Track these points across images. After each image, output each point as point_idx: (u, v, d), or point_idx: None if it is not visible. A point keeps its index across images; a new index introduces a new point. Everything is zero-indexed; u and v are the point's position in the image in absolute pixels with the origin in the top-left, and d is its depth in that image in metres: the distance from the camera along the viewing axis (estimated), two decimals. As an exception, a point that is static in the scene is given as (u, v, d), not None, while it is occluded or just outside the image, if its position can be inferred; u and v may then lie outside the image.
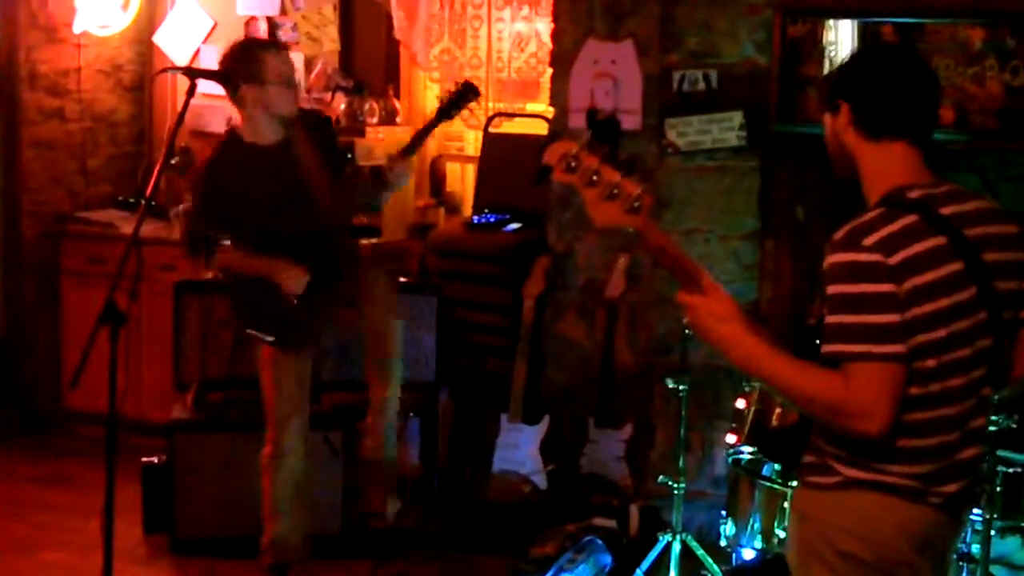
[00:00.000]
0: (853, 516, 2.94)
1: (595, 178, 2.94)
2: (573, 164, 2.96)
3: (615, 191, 2.93)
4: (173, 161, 7.17)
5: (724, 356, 2.98)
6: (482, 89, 7.16)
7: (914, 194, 2.91)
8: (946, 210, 2.90)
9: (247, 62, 4.89)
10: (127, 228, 7.00)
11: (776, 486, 4.75)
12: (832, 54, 5.61)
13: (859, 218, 2.89)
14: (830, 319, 2.84)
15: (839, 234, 2.87)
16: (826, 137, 3.13)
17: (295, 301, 4.92)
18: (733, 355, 2.96)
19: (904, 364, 2.79)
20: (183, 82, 4.95)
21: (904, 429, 2.85)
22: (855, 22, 5.57)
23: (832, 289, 2.84)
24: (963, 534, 4.57)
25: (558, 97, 6.12)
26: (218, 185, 4.99)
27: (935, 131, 3.07)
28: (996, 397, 3.05)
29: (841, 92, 3.06)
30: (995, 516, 4.47)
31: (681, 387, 5.33)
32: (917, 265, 2.81)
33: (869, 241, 2.80)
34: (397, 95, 7.38)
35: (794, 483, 4.57)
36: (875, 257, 2.79)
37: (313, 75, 7.41)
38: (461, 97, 5.18)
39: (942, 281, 2.83)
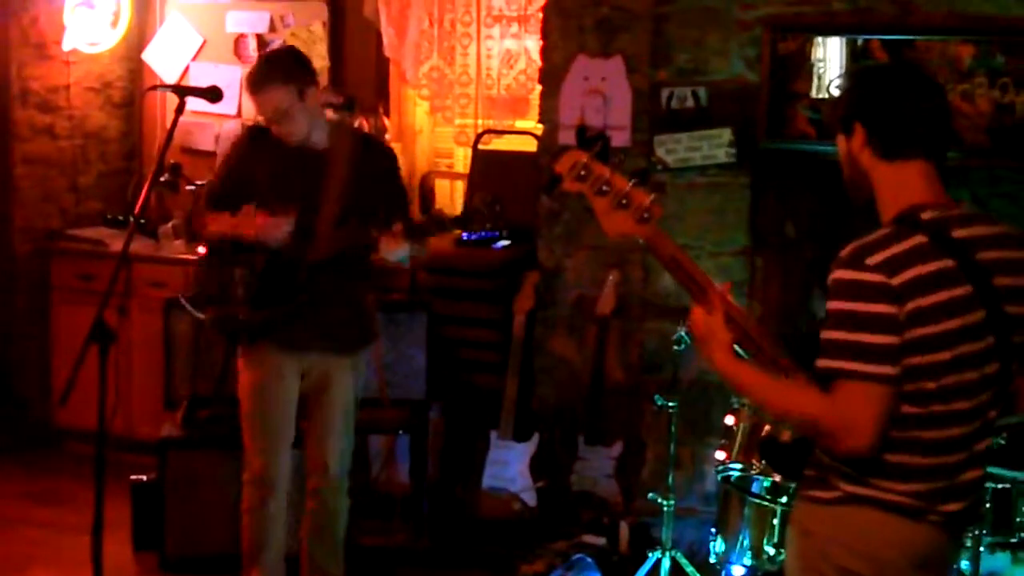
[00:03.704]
0: (853, 532, 2.94)
1: (606, 187, 2.96)
2: (583, 173, 2.98)
3: (625, 200, 2.95)
4: (163, 178, 7.17)
5: (711, 364, 3.01)
6: (471, 106, 7.22)
7: (927, 215, 2.90)
8: (958, 233, 2.89)
9: (309, 64, 4.87)
10: (117, 245, 6.99)
11: (765, 503, 4.76)
12: (821, 71, 5.63)
13: (868, 236, 2.88)
14: (826, 334, 2.85)
15: (845, 251, 2.87)
16: (841, 160, 3.11)
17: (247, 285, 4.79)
18: (723, 376, 2.99)
19: (893, 386, 2.80)
20: (172, 99, 4.93)
21: (905, 447, 2.86)
22: (844, 39, 5.59)
23: (832, 305, 2.85)
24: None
25: (548, 114, 6.12)
26: (253, 154, 4.91)
27: (949, 147, 3.07)
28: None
29: (855, 113, 3.04)
30: (985, 532, 4.48)
31: (671, 404, 5.33)
32: (921, 287, 2.80)
33: (873, 261, 2.80)
34: (387, 112, 7.38)
35: (784, 499, 4.60)
36: (878, 277, 2.79)
37: (303, 92, 7.40)
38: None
39: (947, 304, 2.83)
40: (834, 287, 2.86)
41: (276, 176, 4.84)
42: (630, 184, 2.97)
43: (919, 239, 2.85)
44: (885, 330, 2.78)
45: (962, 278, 2.85)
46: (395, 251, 4.73)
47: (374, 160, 4.97)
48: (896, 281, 2.79)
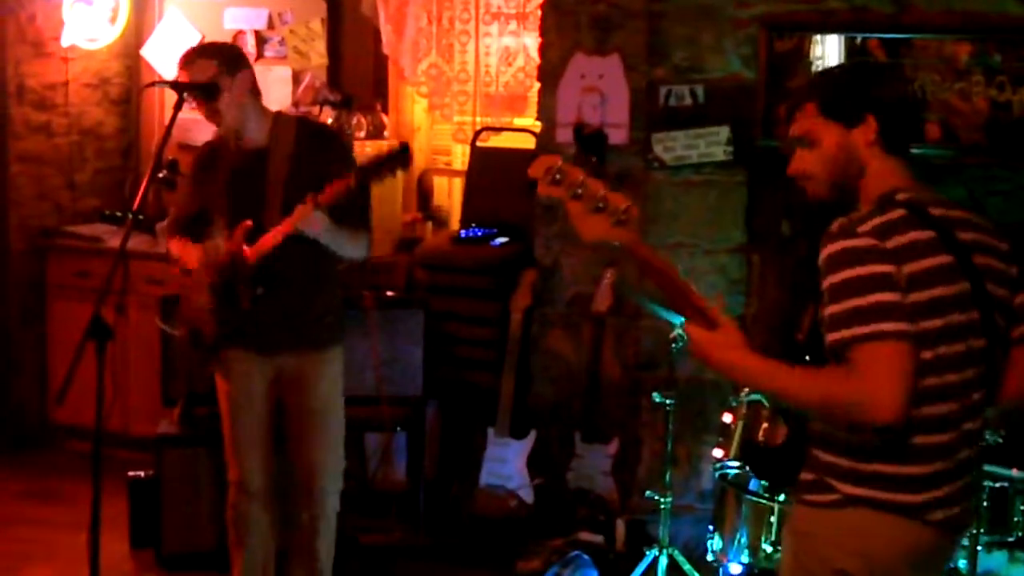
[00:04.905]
0: (851, 534, 2.95)
1: (580, 191, 2.94)
2: (558, 177, 2.96)
3: (600, 204, 2.93)
4: (160, 175, 7.16)
5: (728, 377, 2.99)
6: (469, 104, 7.21)
7: (902, 196, 2.94)
8: (935, 211, 2.94)
9: (246, 58, 4.81)
10: (114, 242, 6.99)
11: (763, 501, 4.76)
12: (819, 68, 5.62)
13: (851, 214, 2.92)
14: (831, 308, 2.83)
15: (833, 227, 2.89)
16: (826, 152, 3.07)
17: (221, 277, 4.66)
18: (739, 377, 2.98)
19: (912, 343, 2.78)
20: (170, 95, 4.92)
21: (906, 426, 2.86)
22: (841, 37, 5.59)
23: (831, 278, 2.84)
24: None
25: (545, 111, 6.12)
26: (203, 170, 4.85)
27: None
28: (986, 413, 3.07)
29: (870, 107, 3.04)
30: (981, 531, 4.48)
31: (668, 401, 5.34)
32: (910, 253, 2.83)
33: (863, 228, 2.84)
34: (385, 109, 7.38)
35: (781, 497, 4.60)
36: (871, 241, 2.82)
37: (301, 89, 7.41)
38: (390, 161, 4.53)
39: (935, 271, 2.86)
40: (829, 260, 2.86)
41: (227, 185, 4.75)
42: (605, 187, 2.95)
43: (899, 212, 2.89)
44: (890, 287, 2.78)
45: (944, 248, 2.88)
46: (308, 221, 4.47)
47: (316, 145, 4.79)
48: (889, 245, 2.82)
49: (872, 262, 2.80)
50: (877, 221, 2.85)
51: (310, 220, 4.46)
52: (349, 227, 4.64)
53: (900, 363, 2.76)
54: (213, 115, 4.68)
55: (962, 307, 2.90)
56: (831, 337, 2.82)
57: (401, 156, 4.54)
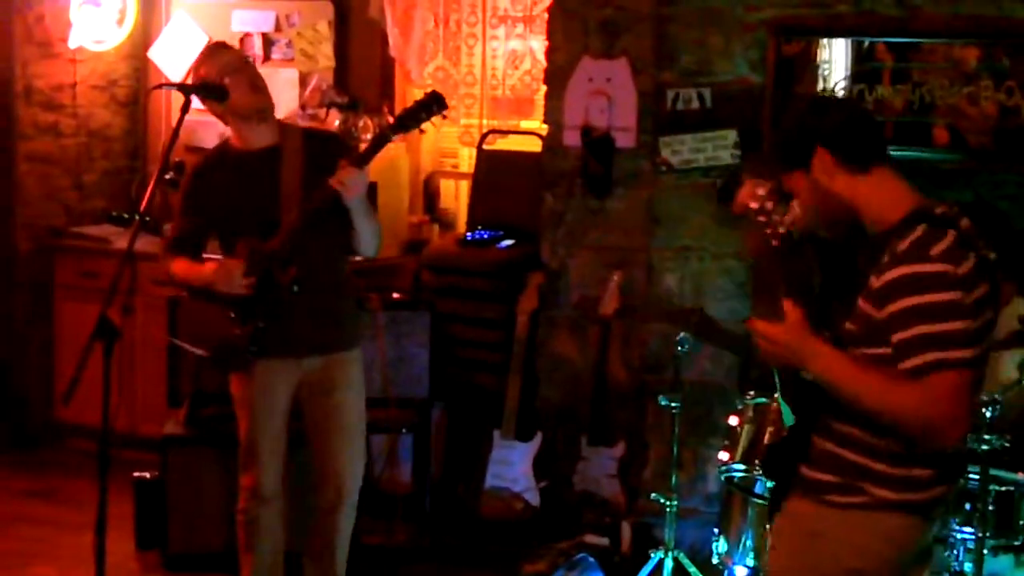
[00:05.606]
0: (874, 536, 3.01)
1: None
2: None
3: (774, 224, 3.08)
4: (167, 176, 7.16)
5: (807, 368, 3.01)
6: (476, 106, 7.22)
7: (939, 211, 2.97)
8: (963, 227, 2.97)
9: None
10: (121, 243, 6.99)
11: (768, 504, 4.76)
12: (826, 73, 5.63)
13: (911, 234, 2.91)
14: (906, 333, 2.87)
15: (902, 246, 2.90)
16: (805, 200, 3.16)
17: (232, 310, 4.64)
18: (819, 367, 2.99)
19: (976, 368, 2.87)
20: (177, 97, 4.92)
21: None
22: (849, 41, 5.59)
23: (904, 302, 2.87)
24: (956, 552, 4.59)
25: (552, 114, 6.12)
26: (204, 182, 4.84)
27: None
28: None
29: (816, 140, 3.08)
30: (987, 535, 4.47)
31: (674, 404, 5.34)
32: (973, 280, 2.89)
33: (936, 251, 2.86)
34: (392, 112, 7.37)
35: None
36: (945, 267, 2.85)
37: (308, 91, 7.41)
38: (424, 108, 4.65)
39: (983, 298, 2.92)
40: (899, 283, 2.89)
41: (238, 186, 4.74)
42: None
43: (952, 235, 2.91)
44: (963, 316, 2.85)
45: (984, 274, 2.93)
46: (351, 179, 4.50)
47: (327, 147, 4.82)
48: (960, 272, 2.86)
49: (947, 289, 2.84)
50: (943, 246, 2.87)
51: (354, 179, 4.51)
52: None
53: (968, 390, 2.85)
54: (259, 91, 4.73)
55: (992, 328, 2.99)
56: (909, 362, 2.86)
57: (433, 101, 4.63)
